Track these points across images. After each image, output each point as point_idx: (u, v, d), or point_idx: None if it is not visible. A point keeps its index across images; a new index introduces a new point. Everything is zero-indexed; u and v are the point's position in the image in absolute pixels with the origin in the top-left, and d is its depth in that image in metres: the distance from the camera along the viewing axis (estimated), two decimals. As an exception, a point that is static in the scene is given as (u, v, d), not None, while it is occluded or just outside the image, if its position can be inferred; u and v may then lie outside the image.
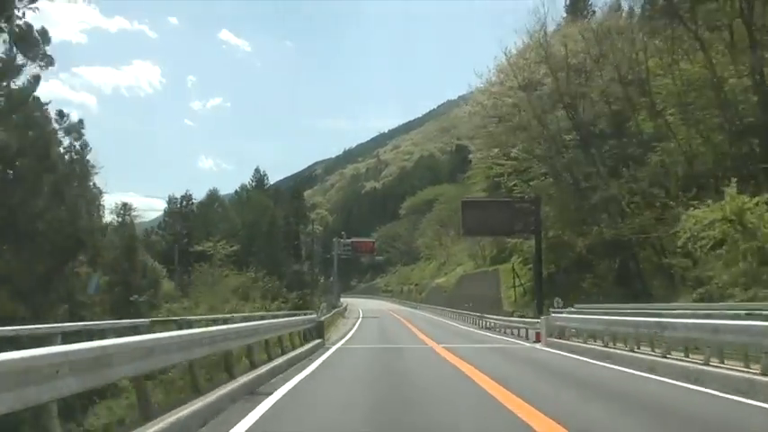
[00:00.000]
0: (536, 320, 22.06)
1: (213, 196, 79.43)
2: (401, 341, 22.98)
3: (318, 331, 19.67)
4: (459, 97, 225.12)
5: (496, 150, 44.90)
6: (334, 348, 18.44)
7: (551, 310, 22.52)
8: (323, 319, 22.60)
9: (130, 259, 40.24)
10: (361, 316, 52.53)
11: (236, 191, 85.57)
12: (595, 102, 35.43)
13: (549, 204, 38.02)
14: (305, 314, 21.79)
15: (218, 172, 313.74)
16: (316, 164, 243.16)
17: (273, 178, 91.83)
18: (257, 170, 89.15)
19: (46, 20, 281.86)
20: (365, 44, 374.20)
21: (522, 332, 23.90)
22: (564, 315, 19.05)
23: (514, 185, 43.03)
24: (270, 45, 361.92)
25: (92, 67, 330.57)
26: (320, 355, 15.70)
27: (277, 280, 52.25)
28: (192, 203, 75.19)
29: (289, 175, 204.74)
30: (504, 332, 27.32)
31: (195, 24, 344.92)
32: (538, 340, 20.40)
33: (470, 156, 57.87)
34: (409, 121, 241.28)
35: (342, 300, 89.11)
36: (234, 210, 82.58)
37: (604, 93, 33.07)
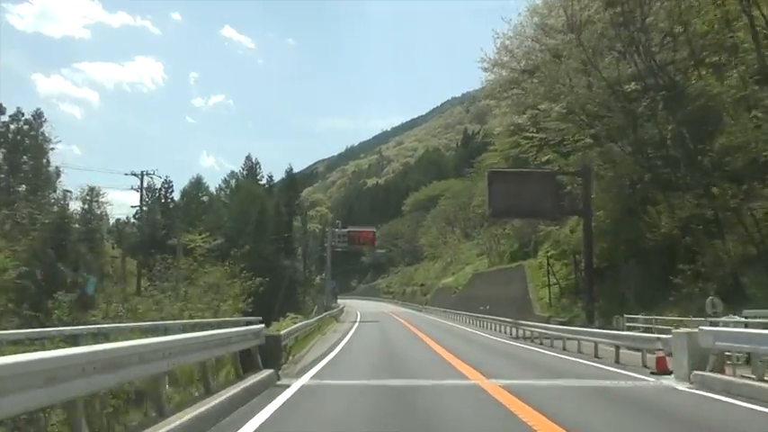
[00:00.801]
0: (647, 336, 12.90)
1: (197, 184, 70.23)
2: (418, 367, 13.70)
3: (271, 355, 10.48)
4: (464, 95, 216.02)
5: (525, 116, 35.88)
6: (290, 391, 9.23)
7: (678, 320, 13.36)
8: (285, 332, 13.36)
9: (60, 247, 31.32)
10: (358, 320, 43.35)
11: (224, 179, 76.25)
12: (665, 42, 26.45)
13: (600, 180, 29.01)
14: (236, 325, 12.61)
15: (219, 171, 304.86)
16: (317, 162, 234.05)
17: (275, 177, 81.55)
18: (248, 158, 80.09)
19: (49, 15, 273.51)
20: (368, 42, 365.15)
21: (603, 351, 14.71)
22: (745, 331, 9.85)
23: (547, 161, 34.05)
24: (272, 42, 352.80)
25: (94, 62, 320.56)
26: (238, 428, 6.46)
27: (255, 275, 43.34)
28: (172, 191, 66.00)
29: (291, 175, 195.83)
30: (565, 348, 18.05)
31: (198, 20, 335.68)
32: (662, 370, 11.29)
33: (489, 126, 48.62)
34: (412, 119, 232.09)
35: (339, 301, 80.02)
36: (221, 201, 73.46)
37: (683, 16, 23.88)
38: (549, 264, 34.16)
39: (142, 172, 40.05)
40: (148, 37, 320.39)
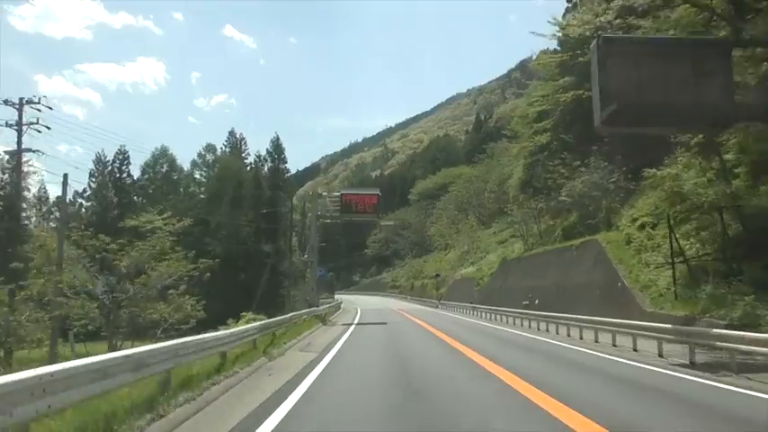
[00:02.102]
0: None
1: (162, 156, 55.67)
2: None
3: None
4: (469, 90, 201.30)
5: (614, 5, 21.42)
6: None
7: None
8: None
9: None
10: (356, 321, 28.97)
11: (199, 152, 61.09)
12: None
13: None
14: None
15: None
16: (320, 159, 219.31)
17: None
18: (232, 133, 65.53)
19: (50, 16, 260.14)
20: (370, 41, 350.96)
21: None
22: None
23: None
24: (274, 41, 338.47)
25: (95, 63, 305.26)
26: None
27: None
28: (129, 164, 51.43)
29: (293, 173, 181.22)
30: None
31: (200, 20, 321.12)
32: None
33: (501, 110, 34.29)
34: (417, 115, 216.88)
35: (338, 296, 65.53)
36: (192, 177, 58.97)
37: None
38: (671, 228, 19.48)
39: (21, 99, 25.29)
40: (150, 37, 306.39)
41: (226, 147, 65.36)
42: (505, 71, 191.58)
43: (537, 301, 31.74)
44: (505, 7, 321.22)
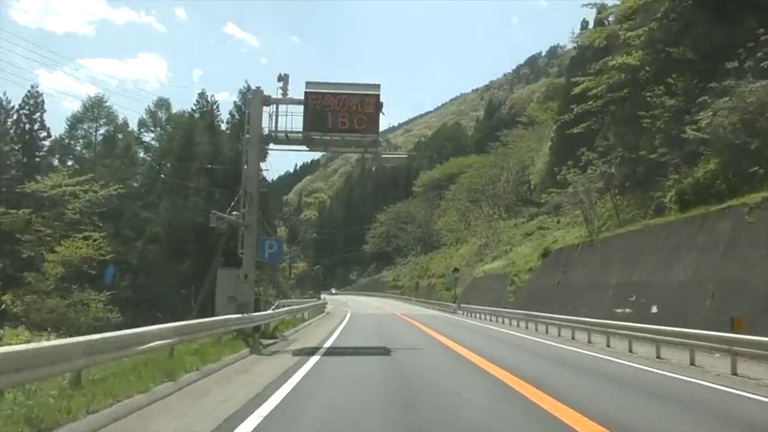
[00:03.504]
0: None
1: (97, 107, 40.85)
2: None
3: None
4: (474, 90, 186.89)
5: None
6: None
7: None
8: None
9: None
10: (331, 340, 14.53)
11: (147, 108, 45.51)
12: None
13: None
14: None
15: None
16: (320, 156, 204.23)
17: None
18: (203, 95, 51.04)
19: (52, 11, 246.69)
20: (373, 41, 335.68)
21: None
22: None
23: None
24: (276, 40, 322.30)
25: (97, 59, 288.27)
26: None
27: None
28: (42, 112, 36.30)
29: (291, 171, 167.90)
30: None
31: (202, 17, 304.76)
32: None
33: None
34: (420, 115, 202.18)
35: (325, 296, 51.12)
36: (138, 139, 44.38)
37: None
38: None
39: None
40: (152, 34, 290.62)
41: (195, 112, 50.81)
42: (514, 67, 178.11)
43: (655, 309, 17.42)
44: (508, 8, 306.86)
